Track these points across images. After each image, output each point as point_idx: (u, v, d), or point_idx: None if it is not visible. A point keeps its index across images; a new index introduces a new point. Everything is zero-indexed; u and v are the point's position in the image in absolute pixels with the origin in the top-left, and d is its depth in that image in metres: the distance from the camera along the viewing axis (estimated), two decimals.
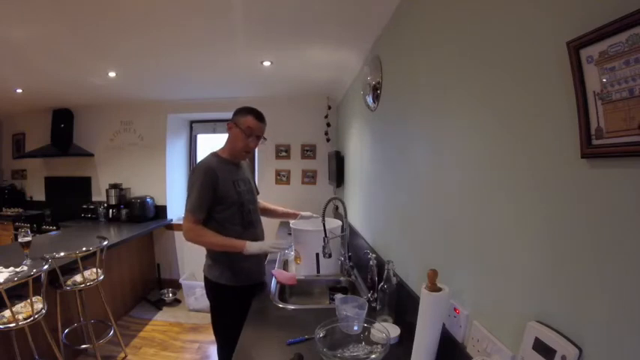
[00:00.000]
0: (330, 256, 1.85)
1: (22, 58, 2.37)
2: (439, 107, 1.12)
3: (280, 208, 2.10)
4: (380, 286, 1.34)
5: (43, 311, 1.94)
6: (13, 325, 1.78)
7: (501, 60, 0.78)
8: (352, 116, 2.75)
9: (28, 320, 1.84)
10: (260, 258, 1.77)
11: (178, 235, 3.94)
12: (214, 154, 1.67)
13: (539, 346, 0.62)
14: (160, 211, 3.93)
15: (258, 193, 1.87)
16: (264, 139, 1.71)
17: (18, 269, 2.02)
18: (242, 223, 1.64)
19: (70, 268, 2.33)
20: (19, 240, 2.17)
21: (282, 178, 3.87)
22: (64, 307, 2.42)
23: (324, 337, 1.12)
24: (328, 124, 3.64)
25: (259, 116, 1.66)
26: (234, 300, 1.62)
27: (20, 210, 4.17)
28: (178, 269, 3.97)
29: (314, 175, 3.83)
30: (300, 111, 3.75)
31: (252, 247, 1.56)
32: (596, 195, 0.54)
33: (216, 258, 1.64)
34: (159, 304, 3.51)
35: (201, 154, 4.37)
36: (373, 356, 1.05)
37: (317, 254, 1.91)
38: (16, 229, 3.66)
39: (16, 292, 1.85)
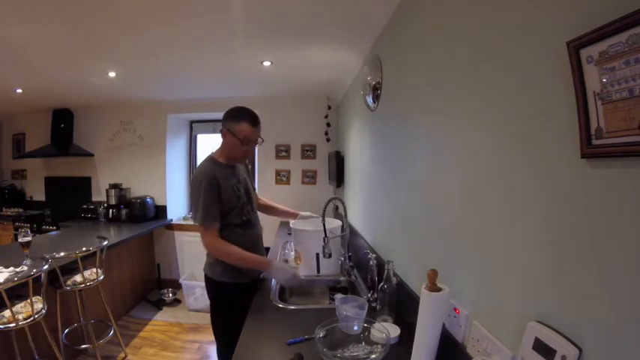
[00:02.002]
0: (330, 256, 1.85)
1: (22, 58, 2.37)
2: (439, 107, 1.12)
3: (281, 207, 2.10)
4: (380, 286, 1.34)
5: (43, 311, 1.94)
6: (13, 325, 1.78)
7: (501, 60, 0.78)
8: (352, 116, 2.75)
9: (28, 320, 1.84)
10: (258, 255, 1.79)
11: (178, 235, 3.95)
12: (211, 160, 1.64)
13: (539, 346, 0.62)
14: (160, 211, 3.93)
15: (254, 189, 1.88)
16: (262, 140, 1.68)
17: (18, 269, 2.02)
18: (242, 225, 1.66)
19: (70, 268, 2.33)
20: (19, 240, 2.18)
21: (282, 178, 3.87)
22: (64, 307, 2.42)
23: (324, 337, 1.12)
24: (328, 124, 3.64)
25: (254, 120, 1.60)
26: (236, 297, 1.63)
27: (20, 210, 4.17)
28: (178, 269, 3.97)
29: (314, 175, 3.83)
30: (300, 111, 3.75)
31: (276, 270, 1.63)
32: (596, 195, 0.54)
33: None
34: (159, 304, 3.51)
35: (202, 154, 4.39)
36: (373, 356, 1.05)
37: (317, 254, 1.91)
38: (16, 229, 3.66)
39: (16, 292, 1.85)
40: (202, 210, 1.53)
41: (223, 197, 1.56)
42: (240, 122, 1.57)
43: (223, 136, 1.62)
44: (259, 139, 1.66)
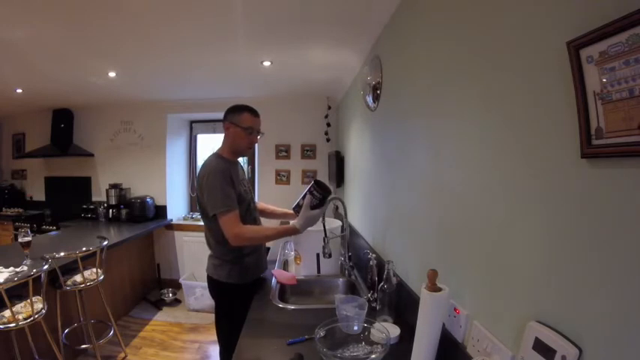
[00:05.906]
0: (330, 256, 1.84)
1: (22, 58, 2.37)
2: (439, 107, 1.12)
3: (279, 209, 2.05)
4: (380, 286, 1.34)
5: (43, 311, 1.94)
6: (13, 325, 1.78)
7: (501, 60, 0.78)
8: (352, 116, 2.75)
9: (28, 320, 1.84)
10: (261, 253, 1.82)
11: (178, 235, 3.95)
12: (218, 156, 1.65)
13: (539, 346, 0.62)
14: (160, 211, 3.92)
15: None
16: (262, 133, 1.72)
17: (18, 269, 2.02)
18: (249, 221, 1.67)
19: (70, 268, 2.33)
20: (19, 240, 2.17)
21: (282, 178, 3.87)
22: (64, 307, 2.42)
23: (324, 337, 1.12)
24: (328, 124, 3.64)
25: (254, 112, 1.68)
26: (241, 298, 1.63)
27: (20, 210, 4.17)
28: (178, 269, 3.97)
29: (314, 175, 3.82)
30: (300, 111, 3.75)
31: (302, 224, 1.55)
32: (596, 195, 0.54)
33: (224, 258, 1.63)
34: (159, 304, 3.51)
35: (201, 154, 4.38)
36: (373, 356, 1.05)
37: (317, 254, 1.91)
38: (16, 229, 3.66)
39: (16, 292, 1.85)
40: (221, 195, 1.49)
41: (236, 189, 1.57)
42: (242, 113, 1.64)
43: (226, 130, 1.65)
44: (261, 132, 1.71)
